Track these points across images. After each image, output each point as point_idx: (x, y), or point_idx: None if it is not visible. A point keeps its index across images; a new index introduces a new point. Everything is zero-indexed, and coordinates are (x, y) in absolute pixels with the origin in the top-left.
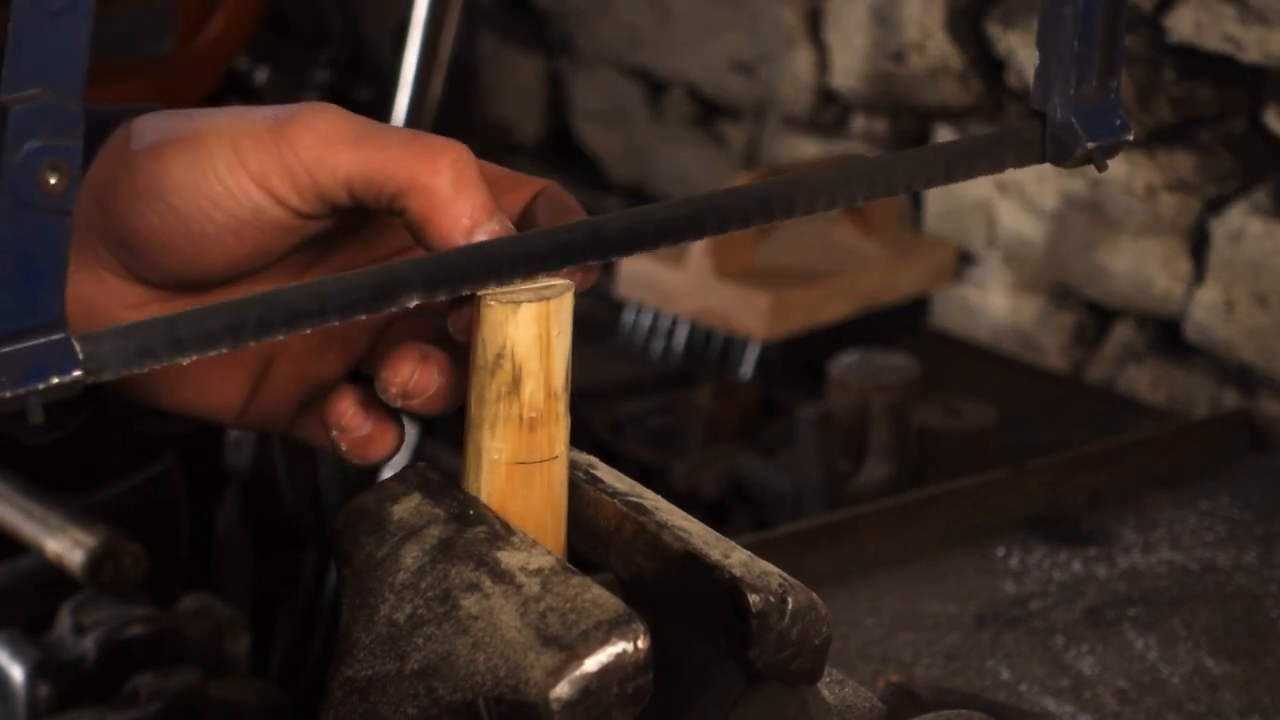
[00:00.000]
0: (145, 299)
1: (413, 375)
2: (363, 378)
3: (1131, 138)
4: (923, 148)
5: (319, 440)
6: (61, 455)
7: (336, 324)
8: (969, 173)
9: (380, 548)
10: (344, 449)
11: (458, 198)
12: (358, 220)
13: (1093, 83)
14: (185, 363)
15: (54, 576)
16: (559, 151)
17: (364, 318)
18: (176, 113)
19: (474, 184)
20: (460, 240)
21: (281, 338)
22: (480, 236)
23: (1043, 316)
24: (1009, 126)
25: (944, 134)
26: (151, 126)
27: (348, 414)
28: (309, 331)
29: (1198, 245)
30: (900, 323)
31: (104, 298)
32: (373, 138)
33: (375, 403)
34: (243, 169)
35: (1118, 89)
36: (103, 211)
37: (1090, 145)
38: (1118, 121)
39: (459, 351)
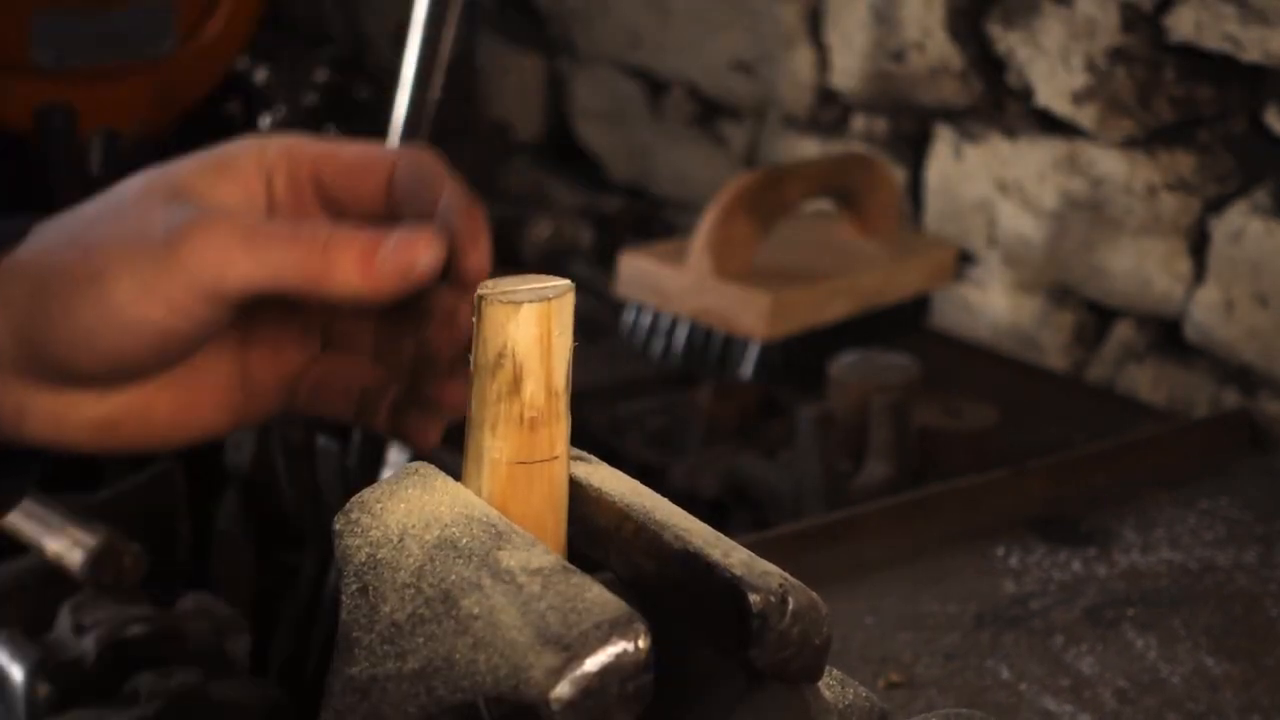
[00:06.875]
0: (69, 397)
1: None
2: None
3: None
4: None
5: (336, 411)
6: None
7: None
8: None
9: (381, 548)
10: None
11: (347, 265)
12: None
13: None
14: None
15: (54, 576)
16: (559, 151)
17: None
18: (64, 238)
19: (355, 246)
20: (363, 285)
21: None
22: (380, 266)
23: (1043, 316)
24: None
25: (944, 133)
26: (44, 264)
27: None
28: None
29: (1198, 245)
30: (900, 323)
31: (33, 400)
32: (261, 243)
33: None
34: (148, 297)
35: None
36: (19, 342)
37: None
38: None
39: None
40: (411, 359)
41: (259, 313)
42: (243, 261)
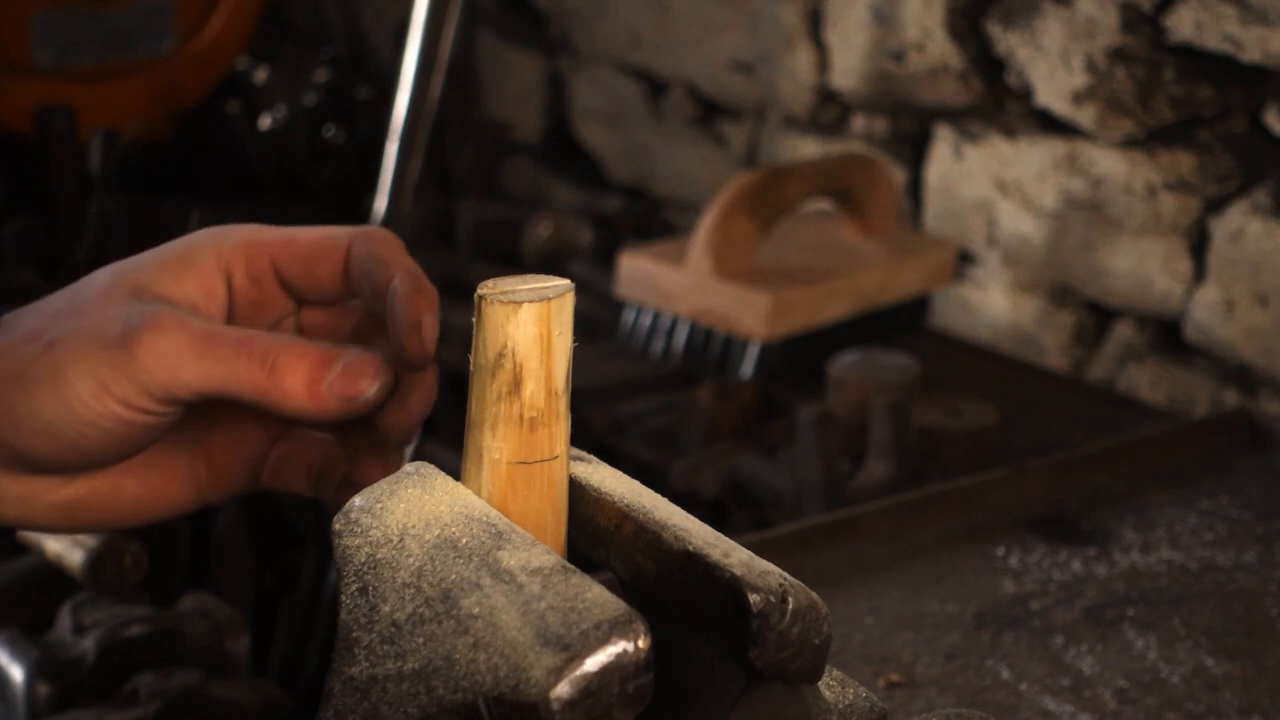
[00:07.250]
0: (36, 481)
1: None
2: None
3: None
4: None
5: (295, 487)
6: None
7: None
8: None
9: (381, 548)
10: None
11: (294, 385)
12: None
13: None
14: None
15: (54, 576)
16: (559, 151)
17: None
18: (29, 332)
19: (303, 368)
20: (307, 406)
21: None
22: (326, 391)
23: (1043, 316)
24: None
25: (944, 133)
26: (9, 356)
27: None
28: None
29: (1198, 245)
30: (900, 323)
31: (1, 485)
32: (211, 351)
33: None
34: (105, 394)
35: None
36: None
37: None
38: None
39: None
40: (363, 437)
41: (222, 399)
42: (192, 368)
